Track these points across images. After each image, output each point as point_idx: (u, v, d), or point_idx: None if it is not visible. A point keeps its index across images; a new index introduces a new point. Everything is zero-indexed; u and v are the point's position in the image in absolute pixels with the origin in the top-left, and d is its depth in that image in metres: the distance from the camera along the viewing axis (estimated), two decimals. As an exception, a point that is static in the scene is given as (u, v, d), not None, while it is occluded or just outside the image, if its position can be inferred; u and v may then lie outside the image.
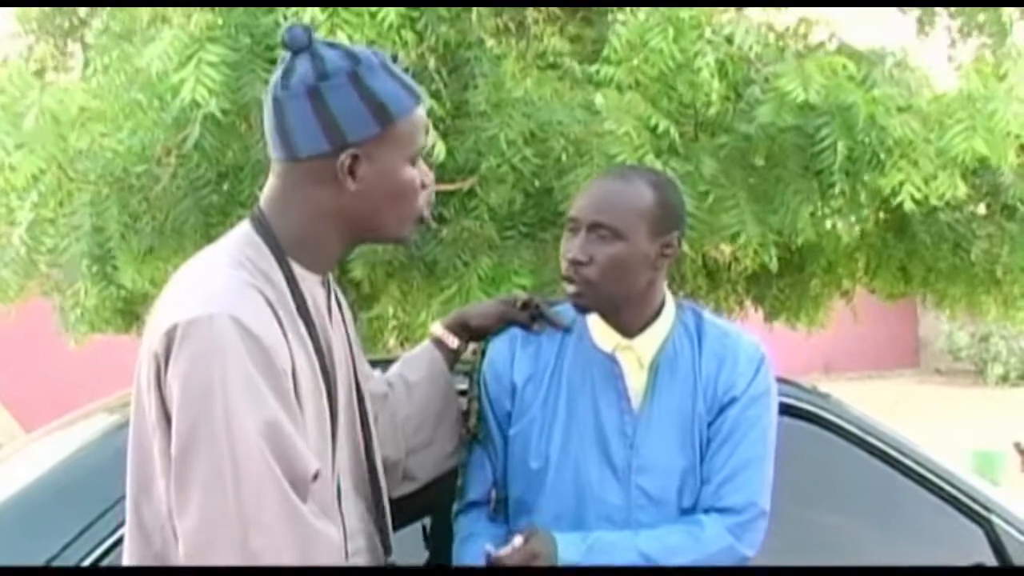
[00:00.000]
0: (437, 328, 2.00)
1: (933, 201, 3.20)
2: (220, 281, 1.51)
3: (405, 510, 1.91)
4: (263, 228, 1.58)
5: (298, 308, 1.56)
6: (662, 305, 1.94)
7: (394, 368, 1.95)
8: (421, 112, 1.63)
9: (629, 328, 1.91)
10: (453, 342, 1.98)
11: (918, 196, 3.15)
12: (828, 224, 3.59)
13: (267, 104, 1.59)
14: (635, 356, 1.92)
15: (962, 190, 3.18)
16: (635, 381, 1.91)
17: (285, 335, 1.51)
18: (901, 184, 3.12)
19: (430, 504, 2.05)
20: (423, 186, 1.64)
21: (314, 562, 1.46)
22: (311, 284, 1.61)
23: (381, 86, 1.57)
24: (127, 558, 1.55)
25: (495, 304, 2.04)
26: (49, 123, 3.09)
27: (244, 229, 1.60)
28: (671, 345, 1.93)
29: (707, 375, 1.92)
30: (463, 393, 1.99)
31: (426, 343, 2.00)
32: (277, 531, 1.43)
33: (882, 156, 3.20)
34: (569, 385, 1.93)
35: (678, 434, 1.90)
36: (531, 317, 1.98)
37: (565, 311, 1.98)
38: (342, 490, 1.63)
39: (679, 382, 1.91)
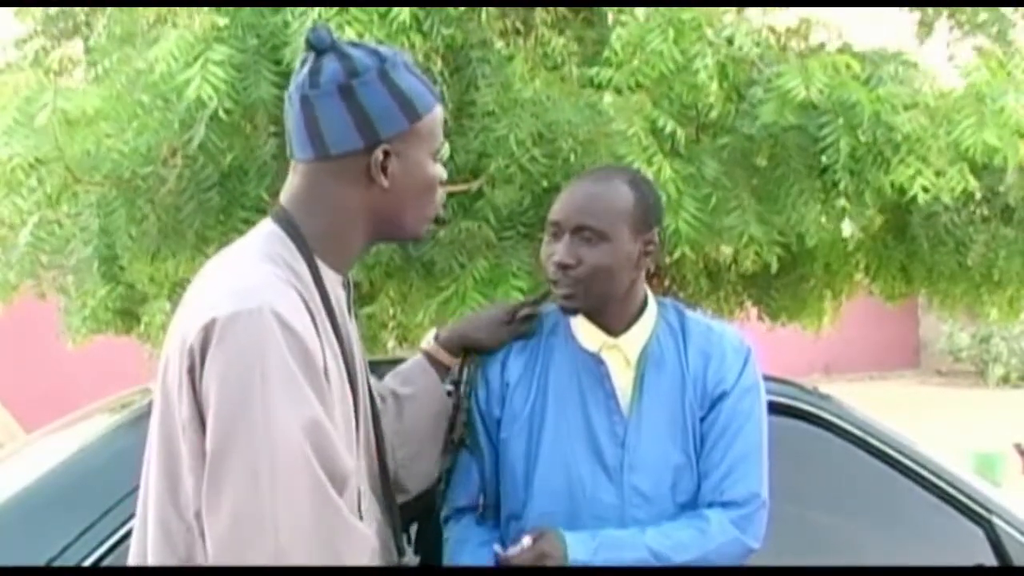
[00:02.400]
0: (430, 344, 1.99)
1: (944, 198, 3.18)
2: (257, 276, 1.49)
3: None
4: (291, 226, 1.58)
5: (325, 307, 1.56)
6: (644, 303, 1.95)
7: (386, 381, 1.94)
8: (440, 110, 1.66)
9: (614, 327, 1.92)
10: (447, 358, 1.97)
11: (931, 190, 3.13)
12: (832, 224, 3.57)
13: (293, 104, 1.59)
14: (621, 355, 1.92)
15: (973, 184, 3.16)
16: (622, 380, 1.92)
17: (318, 333, 1.51)
18: (912, 179, 3.10)
19: (419, 513, 2.05)
20: (441, 183, 1.67)
21: (345, 559, 1.46)
22: (334, 284, 1.61)
23: (407, 83, 1.59)
24: (150, 559, 1.50)
25: (495, 325, 1.99)
26: (61, 124, 3.08)
27: (270, 227, 1.59)
28: (656, 342, 1.94)
29: (695, 370, 1.92)
30: (448, 394, 1.99)
31: (418, 357, 1.98)
32: (310, 530, 1.41)
33: (888, 153, 3.19)
34: (556, 387, 1.93)
35: (669, 430, 1.90)
36: (526, 318, 1.98)
37: (551, 314, 1.98)
38: (361, 491, 1.62)
39: (666, 378, 1.92)
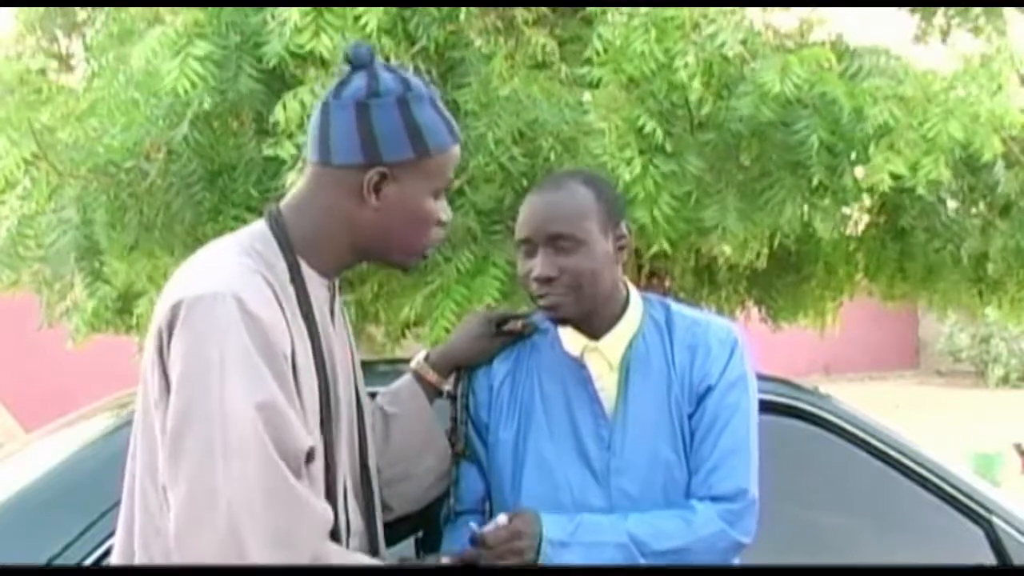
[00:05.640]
0: (419, 364, 1.99)
1: (920, 189, 3.17)
2: (227, 265, 1.57)
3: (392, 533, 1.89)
4: (277, 225, 1.64)
5: (300, 303, 1.61)
6: (626, 302, 1.94)
7: (377, 399, 1.95)
8: (456, 152, 1.69)
9: (595, 329, 1.91)
10: (436, 379, 1.98)
11: (902, 178, 3.11)
12: (816, 221, 3.55)
13: (316, 108, 1.67)
14: (603, 358, 1.91)
15: (946, 175, 3.15)
16: (607, 382, 1.91)
17: (287, 324, 1.56)
18: (881, 166, 3.08)
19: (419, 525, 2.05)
20: (439, 223, 1.69)
21: (296, 536, 1.49)
22: (316, 285, 1.65)
23: (425, 117, 1.64)
24: (134, 534, 1.57)
25: (482, 341, 1.99)
26: (23, 108, 3.09)
27: (258, 226, 1.66)
28: (641, 341, 1.92)
29: (681, 366, 1.91)
30: (441, 395, 1.99)
31: (407, 377, 1.98)
32: (261, 504, 1.46)
33: (869, 148, 3.17)
34: (542, 391, 1.93)
35: (656, 430, 1.88)
36: (511, 331, 1.98)
37: (540, 319, 1.97)
38: (347, 489, 1.67)
39: (652, 378, 1.90)
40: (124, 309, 4.20)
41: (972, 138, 3.12)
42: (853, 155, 3.24)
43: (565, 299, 1.85)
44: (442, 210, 1.69)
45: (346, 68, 1.66)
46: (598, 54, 3.16)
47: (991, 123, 3.14)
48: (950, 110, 3.11)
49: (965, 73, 3.24)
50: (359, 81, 1.63)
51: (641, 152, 3.10)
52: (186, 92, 2.96)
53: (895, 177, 3.10)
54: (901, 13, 4.41)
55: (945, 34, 4.29)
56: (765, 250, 3.86)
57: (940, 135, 3.07)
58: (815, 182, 3.21)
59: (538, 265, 1.84)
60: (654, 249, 3.27)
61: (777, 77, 3.02)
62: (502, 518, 1.78)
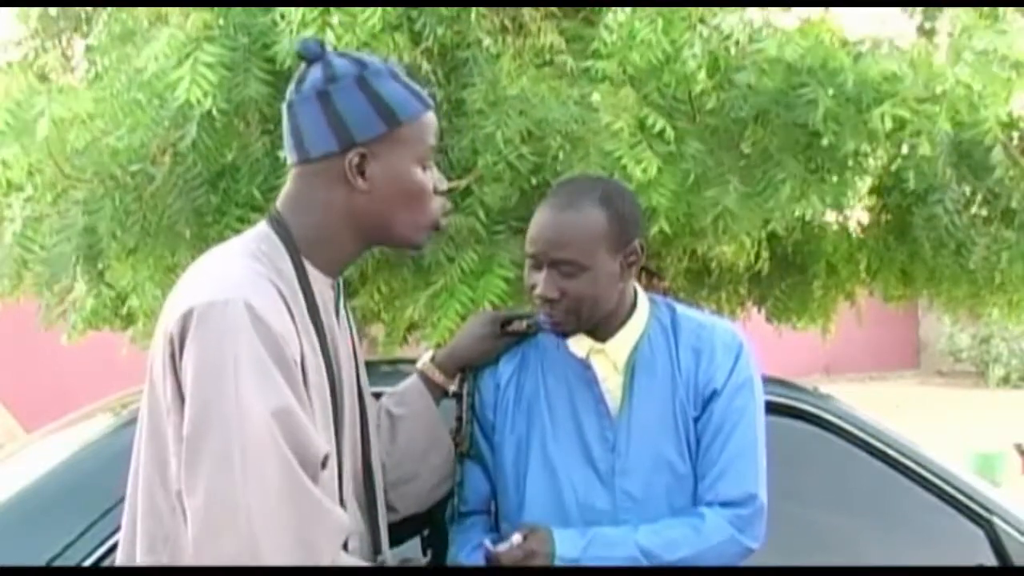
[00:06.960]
0: (425, 364, 1.99)
1: (924, 150, 3.14)
2: (236, 270, 1.56)
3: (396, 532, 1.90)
4: (280, 227, 1.64)
5: (308, 306, 1.61)
6: (634, 305, 1.94)
7: (383, 400, 1.95)
8: (430, 117, 1.68)
9: (601, 333, 1.91)
10: (442, 379, 1.98)
11: (908, 126, 3.09)
12: (819, 204, 3.53)
13: (284, 111, 1.67)
14: (609, 360, 1.91)
15: (948, 129, 3.11)
16: (612, 383, 1.91)
17: (296, 328, 1.56)
18: (883, 117, 3.06)
19: (423, 526, 2.05)
20: (436, 191, 1.68)
21: (315, 542, 1.49)
22: (322, 285, 1.65)
23: (388, 90, 1.63)
24: (139, 539, 1.56)
25: (487, 341, 2.00)
26: (53, 125, 3.08)
27: (262, 228, 1.66)
28: (646, 344, 1.92)
29: (686, 370, 1.91)
30: (446, 395, 1.99)
31: (413, 378, 1.99)
32: (280, 510, 1.46)
33: (866, 106, 3.15)
34: (547, 391, 1.93)
35: (660, 433, 1.89)
36: (516, 331, 1.98)
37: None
38: (344, 489, 1.67)
39: (658, 381, 1.90)
40: (121, 305, 4.21)
41: (986, 89, 3.08)
42: (851, 123, 3.21)
43: (566, 318, 1.86)
44: (435, 179, 1.69)
45: (302, 65, 1.66)
46: (605, 46, 3.15)
47: (1000, 86, 3.12)
48: (958, 59, 3.09)
49: (970, 28, 3.23)
50: (315, 72, 1.63)
51: (652, 150, 3.09)
52: (199, 101, 2.95)
53: (898, 122, 3.06)
54: (901, 18, 4.41)
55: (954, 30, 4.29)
56: (765, 253, 3.85)
57: (953, 84, 3.04)
58: (825, 141, 3.18)
59: (541, 284, 1.85)
60: (653, 230, 3.26)
61: (783, 42, 3.02)
62: (516, 537, 1.79)
